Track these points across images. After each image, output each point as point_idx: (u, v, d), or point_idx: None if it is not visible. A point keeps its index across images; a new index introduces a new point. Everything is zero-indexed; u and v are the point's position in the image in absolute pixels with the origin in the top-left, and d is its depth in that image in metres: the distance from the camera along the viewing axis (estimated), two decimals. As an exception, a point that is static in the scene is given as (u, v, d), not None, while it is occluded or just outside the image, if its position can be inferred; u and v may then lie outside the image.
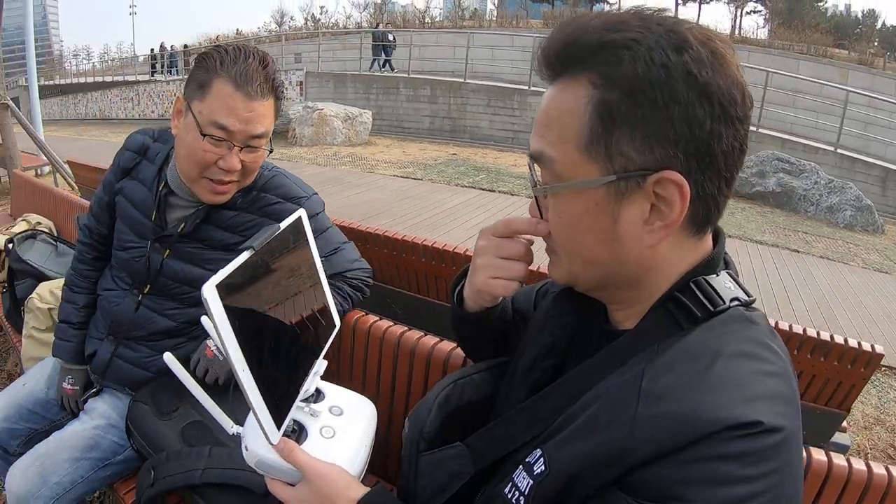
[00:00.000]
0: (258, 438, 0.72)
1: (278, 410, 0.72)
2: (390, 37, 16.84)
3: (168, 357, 0.79)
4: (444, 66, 16.08)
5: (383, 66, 16.49)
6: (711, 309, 0.59)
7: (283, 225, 0.82)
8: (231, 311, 0.65)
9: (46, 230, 3.13)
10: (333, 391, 0.92)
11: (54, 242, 2.80)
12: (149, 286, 1.38)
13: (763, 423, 0.50)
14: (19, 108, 8.51)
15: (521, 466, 0.63)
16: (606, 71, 0.56)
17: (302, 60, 18.26)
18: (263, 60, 1.20)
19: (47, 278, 2.41)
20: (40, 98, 10.32)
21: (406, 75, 14.65)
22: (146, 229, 1.36)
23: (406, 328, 1.39)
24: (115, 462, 1.39)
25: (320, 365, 0.90)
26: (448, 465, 0.73)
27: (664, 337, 0.59)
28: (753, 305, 0.63)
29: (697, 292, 0.60)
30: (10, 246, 2.61)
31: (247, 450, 0.77)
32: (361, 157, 10.56)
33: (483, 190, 7.82)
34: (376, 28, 18.12)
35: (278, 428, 0.71)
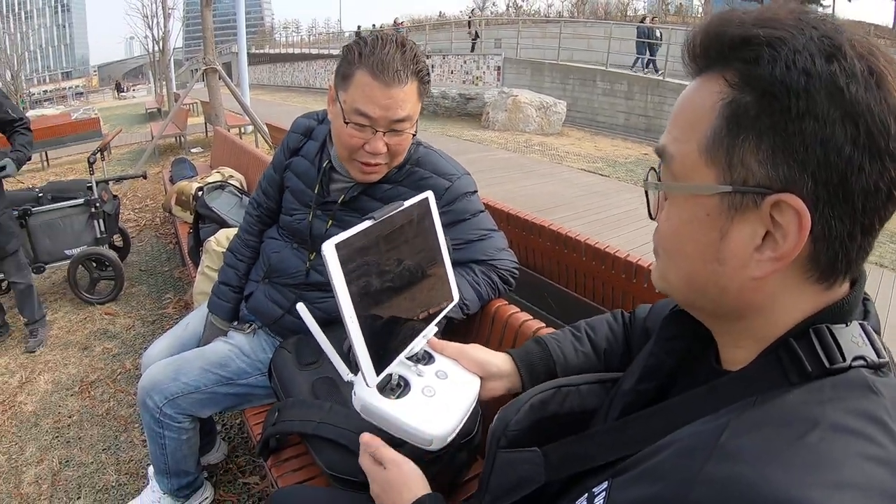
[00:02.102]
0: (366, 386, 0.85)
1: (380, 360, 0.86)
2: (657, 33, 15.64)
3: (300, 307, 0.99)
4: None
5: (647, 66, 15.38)
6: (827, 365, 0.52)
7: (407, 203, 0.95)
8: (348, 268, 0.79)
9: (237, 183, 3.60)
10: (444, 360, 1.01)
11: (240, 195, 3.23)
12: (314, 253, 1.58)
13: None
14: (230, 74, 9.74)
15: (585, 495, 0.61)
16: (744, 69, 0.53)
17: (501, 46, 18.65)
18: (402, 46, 1.31)
19: (228, 226, 2.80)
20: (250, 65, 11.83)
21: (604, 68, 14.39)
22: (308, 197, 1.58)
23: (543, 324, 1.39)
24: (237, 383, 1.64)
25: (430, 330, 1.01)
26: (520, 469, 0.74)
27: (767, 389, 0.54)
28: (885, 370, 0.54)
29: (815, 342, 0.53)
30: (200, 193, 3.06)
31: (355, 395, 0.89)
32: (552, 147, 10.65)
33: (670, 195, 7.40)
34: (642, 22, 16.89)
35: (377, 374, 0.85)
